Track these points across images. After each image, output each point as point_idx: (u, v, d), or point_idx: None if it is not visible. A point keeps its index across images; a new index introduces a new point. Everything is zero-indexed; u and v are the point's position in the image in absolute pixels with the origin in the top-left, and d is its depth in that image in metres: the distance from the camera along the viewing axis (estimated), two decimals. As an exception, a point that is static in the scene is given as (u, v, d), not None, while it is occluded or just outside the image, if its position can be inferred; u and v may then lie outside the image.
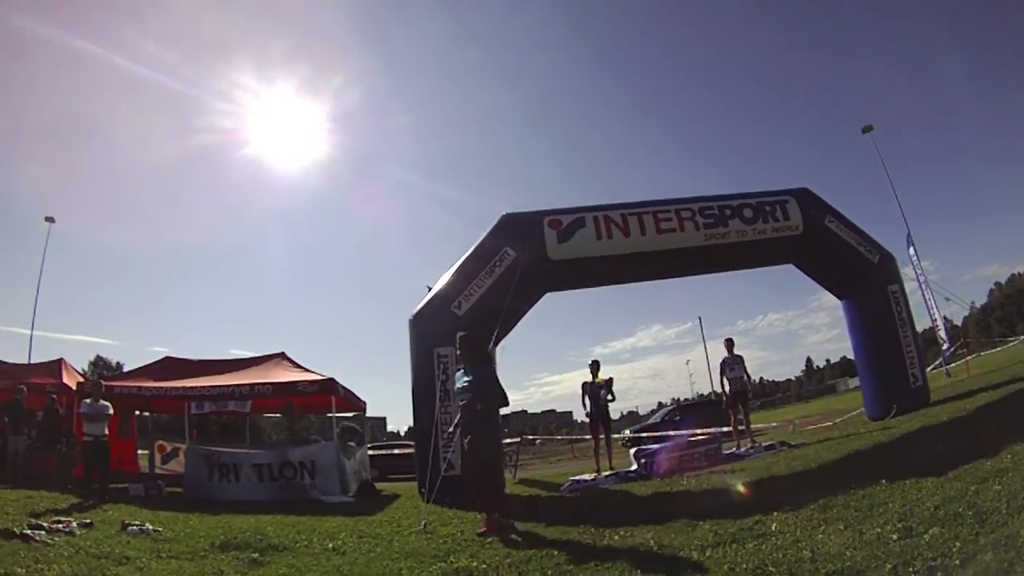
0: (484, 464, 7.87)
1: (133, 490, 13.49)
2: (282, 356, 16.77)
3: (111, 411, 12.82)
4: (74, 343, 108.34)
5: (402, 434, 71.88)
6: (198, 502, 11.92)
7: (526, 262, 12.27)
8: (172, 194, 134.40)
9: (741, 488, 8.33)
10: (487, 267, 12.28)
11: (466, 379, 7.81)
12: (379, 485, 16.36)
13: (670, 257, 13.25)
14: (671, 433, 17.35)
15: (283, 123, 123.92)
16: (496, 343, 11.85)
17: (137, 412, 19.86)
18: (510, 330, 12.75)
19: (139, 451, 19.99)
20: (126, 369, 57.46)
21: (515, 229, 12.85)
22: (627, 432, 24.95)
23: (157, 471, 18.05)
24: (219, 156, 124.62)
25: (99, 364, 77.02)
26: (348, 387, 15.68)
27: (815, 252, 14.07)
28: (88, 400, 12.82)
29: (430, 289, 12.96)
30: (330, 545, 7.13)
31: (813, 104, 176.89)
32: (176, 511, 10.35)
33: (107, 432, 12.69)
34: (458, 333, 8.06)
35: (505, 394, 8.01)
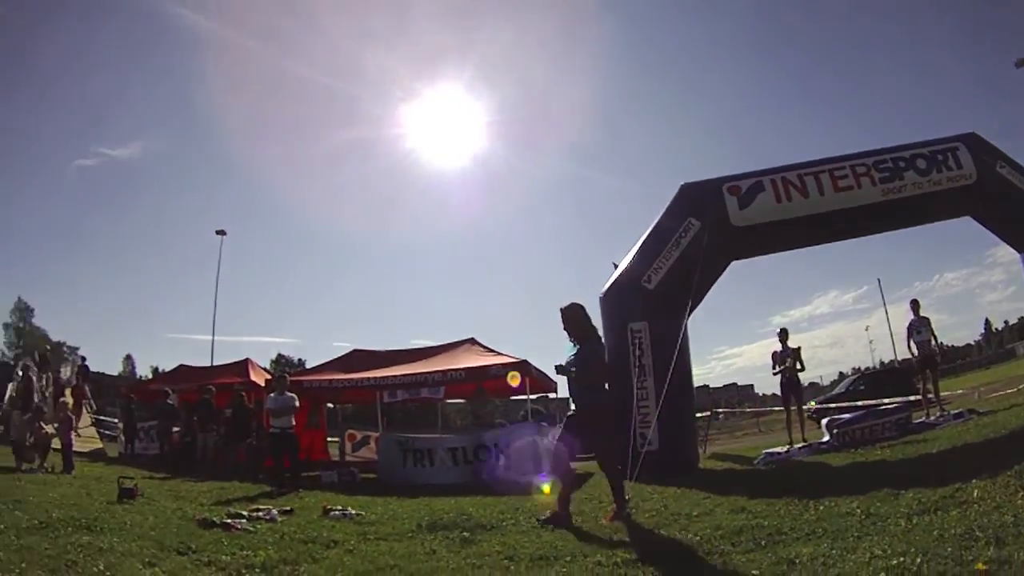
0: (605, 448, 7.68)
1: (326, 477, 13.99)
2: (472, 341, 16.85)
3: (297, 403, 13.28)
4: (254, 344, 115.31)
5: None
6: (393, 487, 12.25)
7: (710, 231, 11.91)
8: (332, 192, 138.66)
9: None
10: (673, 239, 11.97)
11: (572, 354, 7.55)
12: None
13: (849, 216, 12.44)
14: (859, 404, 16.91)
15: (443, 117, 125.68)
16: (690, 312, 11.67)
17: (329, 404, 20.86)
18: (700, 301, 12.45)
19: (328, 439, 20.84)
20: (308, 364, 60.87)
21: (696, 198, 12.45)
22: (812, 404, 23.86)
23: (347, 458, 18.85)
24: (380, 151, 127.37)
25: (281, 361, 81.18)
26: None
27: (990, 201, 12.82)
28: (273, 395, 13.46)
29: (616, 266, 12.80)
30: (534, 523, 7.04)
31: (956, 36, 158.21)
32: (373, 496, 10.65)
33: (294, 424, 13.20)
34: (560, 307, 7.68)
35: (608, 369, 7.73)
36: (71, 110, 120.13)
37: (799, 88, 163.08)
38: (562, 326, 7.66)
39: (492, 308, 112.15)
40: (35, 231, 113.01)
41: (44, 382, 21.44)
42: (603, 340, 8.10)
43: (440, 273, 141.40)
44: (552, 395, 19.47)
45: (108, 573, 4.53)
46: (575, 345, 7.54)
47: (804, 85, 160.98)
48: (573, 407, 7.69)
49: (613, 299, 12.18)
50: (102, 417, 25.22)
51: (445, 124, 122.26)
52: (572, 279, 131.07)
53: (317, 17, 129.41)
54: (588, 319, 7.64)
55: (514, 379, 14.32)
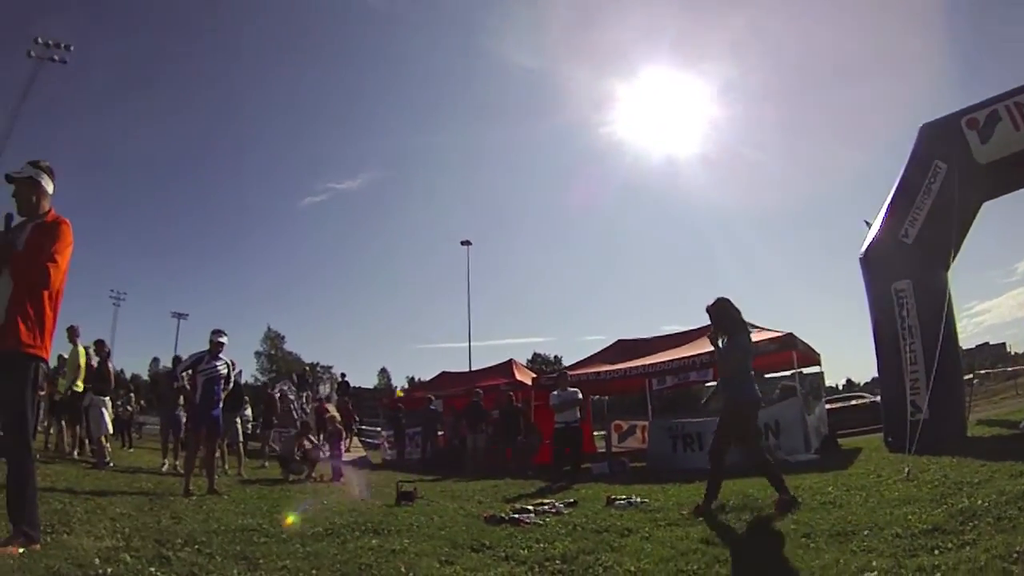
0: (747, 441, 7.46)
1: (597, 469, 13.83)
2: None
3: (580, 396, 13.49)
4: (507, 347, 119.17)
5: (840, 387, 68.27)
6: (664, 473, 11.91)
7: (959, 172, 11.12)
8: (560, 182, 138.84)
9: None
10: (923, 186, 11.43)
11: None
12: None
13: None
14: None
15: (668, 101, 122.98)
16: (951, 263, 11.01)
17: (595, 397, 20.60)
18: (959, 251, 11.44)
19: (595, 433, 20.75)
20: (564, 360, 61.59)
21: (937, 138, 11.83)
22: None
23: (614, 449, 18.47)
24: (601, 138, 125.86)
25: (537, 360, 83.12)
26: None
27: None
28: (556, 391, 13.56)
29: (869, 225, 12.35)
30: (822, 499, 6.89)
31: None
32: (650, 484, 10.34)
33: (578, 417, 13.41)
34: (706, 305, 7.54)
35: (747, 361, 7.37)
36: (299, 153, 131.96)
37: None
38: (711, 323, 7.66)
39: (745, 285, 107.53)
40: (278, 265, 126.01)
41: (304, 400, 23.00)
42: (749, 331, 7.73)
43: (682, 257, 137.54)
44: (817, 368, 18.17)
45: (409, 574, 4.45)
46: (722, 341, 7.50)
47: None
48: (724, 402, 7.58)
49: (873, 259, 11.79)
50: (363, 427, 26.62)
51: (671, 107, 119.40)
52: (821, 244, 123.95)
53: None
54: (734, 313, 7.45)
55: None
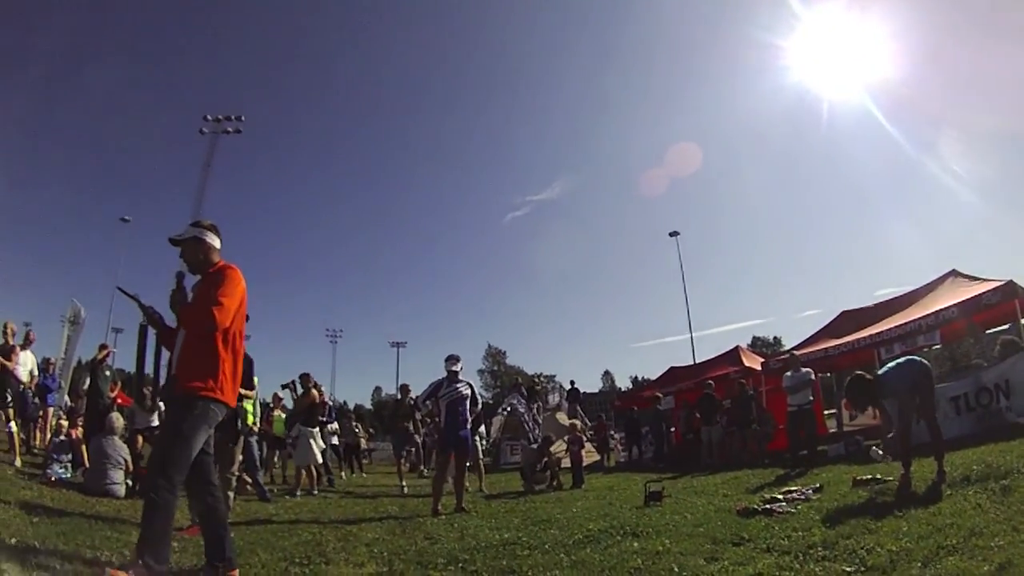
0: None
1: (833, 450, 13.55)
2: (954, 273, 15.19)
3: (813, 377, 13.28)
4: (725, 334, 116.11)
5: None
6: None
7: None
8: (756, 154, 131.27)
9: None
10: None
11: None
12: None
13: None
14: None
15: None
16: None
17: (824, 374, 20.22)
18: None
19: (825, 412, 20.16)
20: (784, 340, 59.44)
21: None
22: None
23: (845, 429, 18.03)
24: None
25: (757, 343, 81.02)
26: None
27: None
28: (789, 372, 13.45)
29: None
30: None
31: None
32: (888, 461, 9.97)
33: (812, 399, 13.16)
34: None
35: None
36: (494, 172, 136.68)
37: None
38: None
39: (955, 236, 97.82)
40: (490, 282, 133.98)
41: (535, 411, 23.89)
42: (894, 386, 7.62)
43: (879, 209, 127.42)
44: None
45: (684, 574, 4.58)
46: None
47: None
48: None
49: None
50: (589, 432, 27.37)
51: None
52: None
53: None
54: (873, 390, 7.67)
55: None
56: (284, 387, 13.78)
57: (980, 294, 13.10)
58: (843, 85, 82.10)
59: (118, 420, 9.96)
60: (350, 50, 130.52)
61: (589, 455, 20.57)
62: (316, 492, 11.99)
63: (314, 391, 12.90)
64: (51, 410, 14.05)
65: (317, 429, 12.78)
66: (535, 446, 15.64)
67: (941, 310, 13.57)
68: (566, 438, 16.09)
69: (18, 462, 10.44)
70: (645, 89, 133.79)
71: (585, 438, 21.62)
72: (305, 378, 12.92)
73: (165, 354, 4.71)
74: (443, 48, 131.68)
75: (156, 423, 10.46)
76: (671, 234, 47.77)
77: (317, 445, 12.38)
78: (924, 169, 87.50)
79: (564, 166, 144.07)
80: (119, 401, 12.38)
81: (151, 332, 4.85)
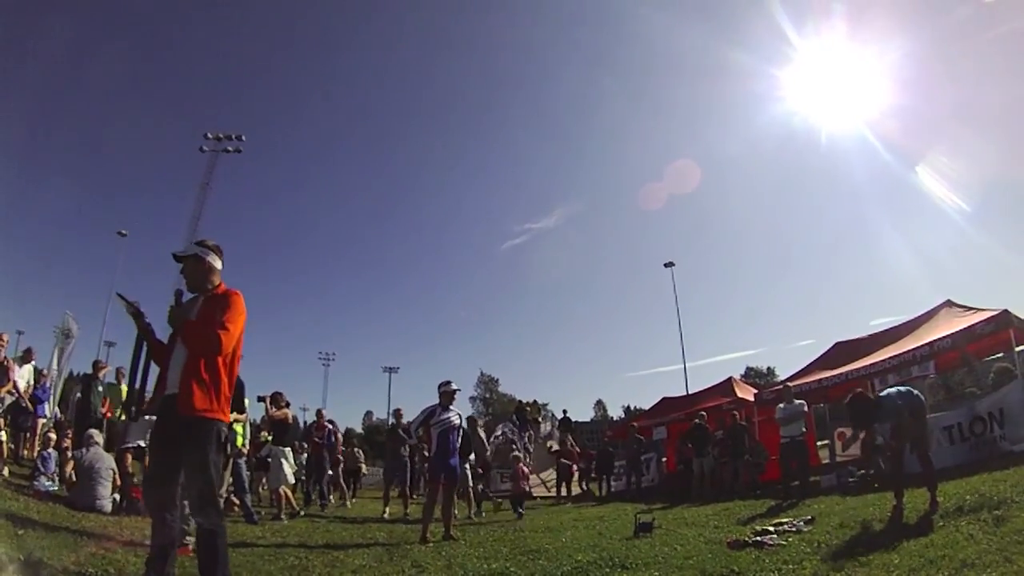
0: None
1: (826, 481, 13.49)
2: (949, 303, 15.18)
3: (806, 408, 13.40)
4: (718, 364, 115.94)
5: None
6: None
7: None
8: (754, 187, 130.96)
9: None
10: None
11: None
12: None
13: None
14: None
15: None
16: None
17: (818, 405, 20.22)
18: None
19: (818, 443, 20.02)
20: (778, 371, 59.25)
21: None
22: None
23: (838, 459, 17.88)
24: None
25: (750, 373, 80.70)
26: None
27: None
28: (782, 404, 13.52)
29: None
30: None
31: None
32: (879, 492, 9.93)
33: (804, 430, 13.28)
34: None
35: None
36: (494, 199, 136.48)
37: None
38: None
39: (950, 264, 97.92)
40: (484, 310, 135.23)
41: (527, 440, 23.80)
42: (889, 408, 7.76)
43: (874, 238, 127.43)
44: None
45: None
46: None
47: None
48: None
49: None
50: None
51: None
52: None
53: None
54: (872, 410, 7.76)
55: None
56: (260, 400, 13.71)
57: (974, 324, 13.12)
58: (840, 114, 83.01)
59: (97, 436, 9.86)
60: (352, 71, 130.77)
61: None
62: (284, 517, 11.49)
63: (286, 409, 12.92)
64: (41, 421, 13.98)
65: (289, 449, 12.79)
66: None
67: (935, 340, 13.59)
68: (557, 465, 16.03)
69: (6, 472, 10.39)
70: (643, 113, 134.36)
71: (580, 467, 21.55)
72: (277, 396, 12.84)
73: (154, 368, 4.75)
74: (444, 72, 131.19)
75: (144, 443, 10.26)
76: (666, 265, 48.17)
77: (289, 465, 12.31)
78: (922, 198, 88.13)
79: (566, 194, 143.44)
80: (108, 415, 12.26)
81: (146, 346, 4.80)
